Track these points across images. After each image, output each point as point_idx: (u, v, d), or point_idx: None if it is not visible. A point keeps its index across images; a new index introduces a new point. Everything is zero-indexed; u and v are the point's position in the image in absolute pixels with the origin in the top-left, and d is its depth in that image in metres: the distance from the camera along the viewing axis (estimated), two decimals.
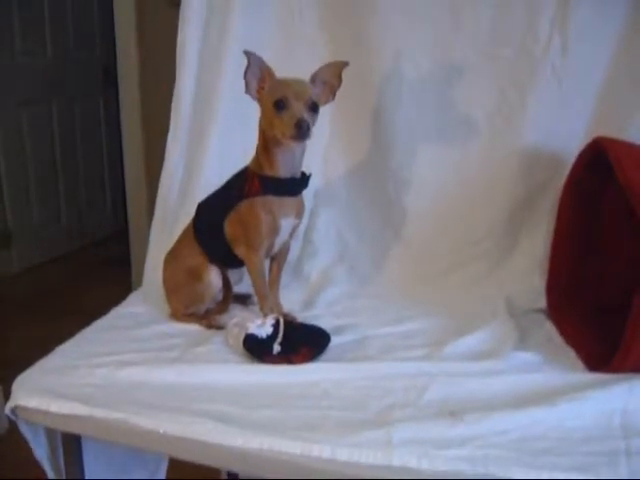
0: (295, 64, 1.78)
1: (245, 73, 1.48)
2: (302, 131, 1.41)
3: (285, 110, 1.43)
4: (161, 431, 1.21)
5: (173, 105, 1.93)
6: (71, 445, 1.40)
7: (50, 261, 4.45)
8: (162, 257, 1.75)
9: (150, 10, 3.22)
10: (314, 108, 1.46)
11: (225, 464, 1.21)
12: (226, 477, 2.02)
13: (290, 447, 1.15)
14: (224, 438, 1.17)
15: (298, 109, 1.43)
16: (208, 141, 1.90)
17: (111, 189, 4.94)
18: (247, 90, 1.49)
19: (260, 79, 1.49)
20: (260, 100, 1.50)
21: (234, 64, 1.83)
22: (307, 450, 1.14)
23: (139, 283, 2.53)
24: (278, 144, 1.49)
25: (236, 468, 1.22)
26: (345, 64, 1.50)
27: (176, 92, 1.93)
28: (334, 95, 1.53)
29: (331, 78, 1.50)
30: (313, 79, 1.50)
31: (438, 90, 1.83)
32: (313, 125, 1.44)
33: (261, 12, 1.87)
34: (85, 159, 4.71)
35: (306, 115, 1.43)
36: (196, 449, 1.20)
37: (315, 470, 1.14)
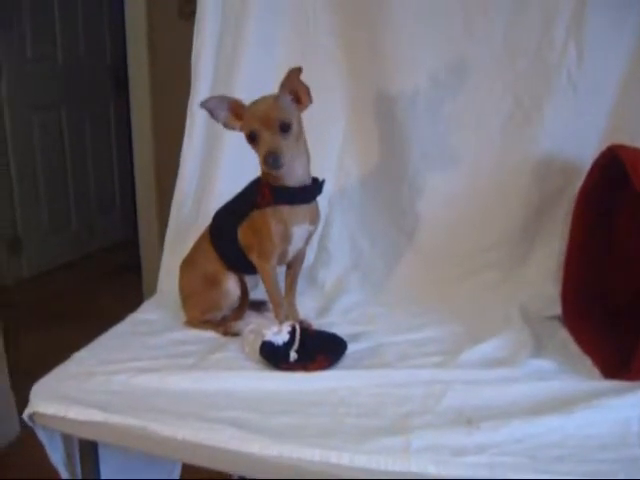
0: (310, 71, 1.78)
1: (214, 119, 1.52)
2: (271, 164, 1.44)
3: (257, 142, 1.46)
4: (179, 437, 1.21)
5: (188, 114, 1.95)
6: (88, 450, 1.41)
7: (59, 267, 4.46)
8: (176, 264, 1.76)
9: (161, 19, 3.24)
10: (285, 128, 1.45)
11: (243, 471, 1.21)
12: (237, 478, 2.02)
13: (308, 454, 1.16)
14: (242, 445, 1.18)
15: (266, 141, 1.44)
16: (223, 150, 1.91)
17: (121, 196, 4.96)
18: (227, 128, 1.53)
19: (232, 113, 1.51)
20: (242, 130, 1.51)
21: (249, 72, 1.86)
22: (325, 457, 1.15)
23: (150, 289, 2.54)
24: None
25: (254, 475, 1.22)
26: (299, 69, 1.47)
27: (190, 103, 1.94)
28: (309, 98, 1.51)
29: (295, 85, 1.49)
30: (281, 89, 1.48)
31: (452, 97, 1.83)
32: (287, 145, 1.45)
33: (275, 19, 1.88)
34: (95, 166, 4.73)
35: (278, 141, 1.44)
36: (214, 456, 1.21)
37: (334, 476, 1.14)
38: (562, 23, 1.71)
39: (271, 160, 1.43)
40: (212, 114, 1.52)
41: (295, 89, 1.49)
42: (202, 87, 1.92)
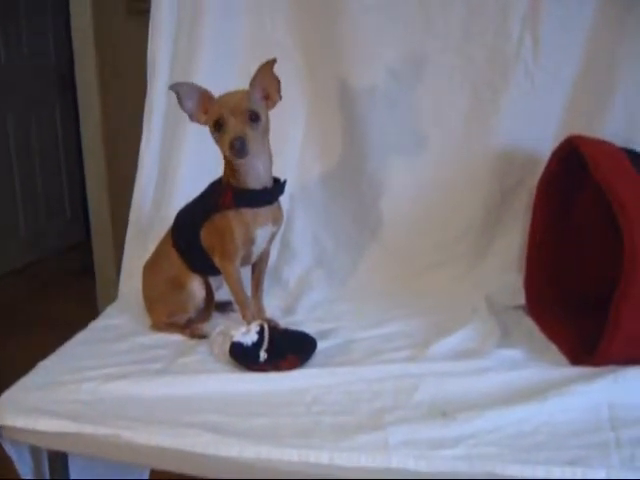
0: None
1: (181, 106, 1.49)
2: (237, 150, 1.42)
3: (223, 129, 1.44)
4: (153, 444, 1.20)
5: (145, 116, 1.92)
6: (57, 462, 1.38)
7: (9, 274, 4.35)
8: (138, 267, 1.74)
9: (108, 16, 3.17)
10: (254, 118, 1.44)
11: (222, 475, 1.20)
12: None
13: (287, 455, 1.15)
14: (219, 449, 1.17)
15: (234, 127, 1.42)
16: (182, 150, 1.89)
17: (70, 198, 4.86)
18: (192, 119, 1.50)
19: (200, 104, 1.49)
20: (207, 123, 1.49)
21: (206, 72, 1.84)
22: (304, 457, 1.15)
23: (105, 294, 2.49)
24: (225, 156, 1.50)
25: (233, 478, 1.21)
26: (273, 61, 1.47)
27: (148, 103, 1.92)
28: (279, 94, 1.51)
29: (267, 79, 1.48)
30: (252, 85, 1.48)
31: (411, 92, 1.84)
32: (255, 136, 1.44)
33: (231, 19, 1.86)
34: (43, 169, 4.62)
35: (246, 129, 1.42)
36: (190, 461, 1.19)
37: (313, 476, 1.14)
38: (518, 15, 1.73)
39: (238, 144, 1.41)
40: (180, 101, 1.49)
41: (266, 86, 1.48)
42: (159, 87, 1.89)
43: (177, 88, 1.49)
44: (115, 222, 3.28)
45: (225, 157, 1.50)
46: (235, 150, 1.42)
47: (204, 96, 1.49)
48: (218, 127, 1.44)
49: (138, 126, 1.98)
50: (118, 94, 3.09)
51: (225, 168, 1.54)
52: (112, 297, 1.91)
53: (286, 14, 1.86)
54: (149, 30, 1.87)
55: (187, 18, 1.85)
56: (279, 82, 1.49)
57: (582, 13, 1.71)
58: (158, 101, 1.90)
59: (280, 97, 1.50)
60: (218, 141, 1.46)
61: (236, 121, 1.42)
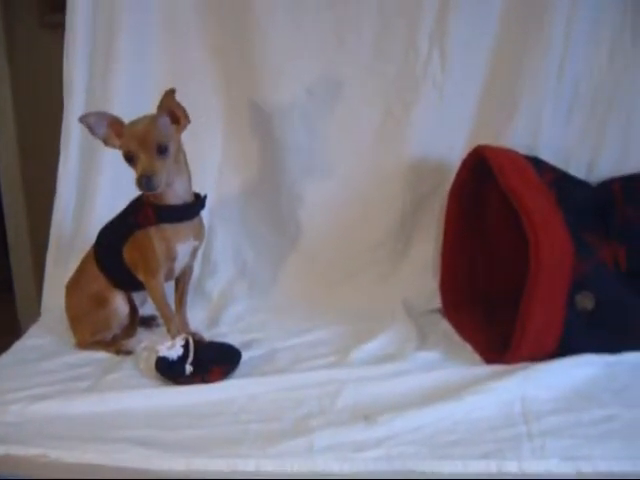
0: (184, 85, 1.79)
1: (93, 135, 1.51)
2: (144, 186, 1.45)
3: (133, 162, 1.46)
4: (85, 462, 1.19)
5: (63, 136, 1.91)
6: None
7: None
8: (60, 284, 1.73)
9: (20, 30, 3.11)
10: (163, 150, 1.46)
11: None
12: None
13: (216, 465, 1.18)
14: (150, 462, 1.18)
15: (142, 163, 1.45)
16: (101, 167, 1.89)
17: None
18: (106, 145, 1.52)
19: (112, 130, 1.50)
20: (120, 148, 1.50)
21: (122, 88, 1.85)
22: (232, 465, 1.18)
23: (25, 311, 2.45)
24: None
25: None
26: (172, 91, 1.48)
27: (65, 123, 1.91)
28: (187, 119, 1.52)
29: (172, 107, 1.50)
30: (159, 112, 1.49)
31: (325, 107, 1.89)
32: (164, 167, 1.46)
33: (146, 36, 1.87)
34: None
35: (154, 164, 1.44)
36: (122, 476, 1.19)
37: None
38: (426, 32, 1.80)
39: (144, 182, 1.43)
40: (91, 130, 1.51)
41: (172, 110, 1.49)
42: (76, 103, 1.89)
43: (85, 120, 1.51)
44: (33, 238, 3.21)
45: None
46: (142, 187, 1.45)
47: (113, 122, 1.51)
48: (129, 159, 1.47)
49: (55, 139, 1.96)
50: (34, 109, 3.03)
51: None
52: (32, 314, 1.89)
53: (201, 31, 1.88)
54: (64, 49, 1.87)
55: (102, 37, 1.85)
56: (184, 109, 1.51)
57: (486, 30, 1.80)
58: (75, 121, 1.87)
59: (189, 120, 1.52)
60: (133, 169, 1.48)
61: (144, 156, 1.45)
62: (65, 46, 1.86)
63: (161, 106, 1.48)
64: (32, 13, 3.01)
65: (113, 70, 1.86)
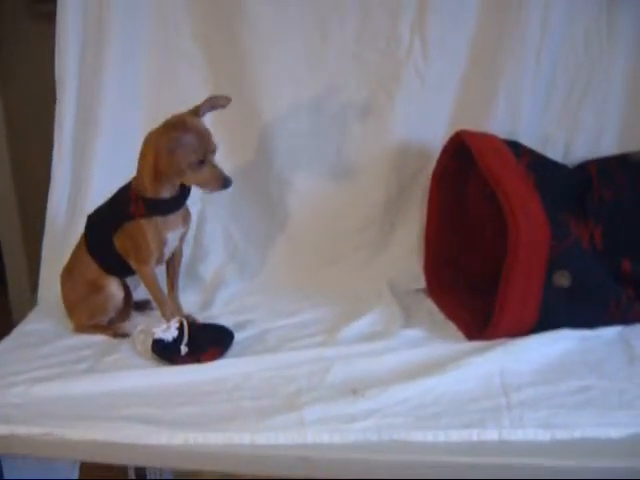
0: (174, 79, 1.87)
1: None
2: (229, 185, 1.55)
3: (205, 166, 1.53)
4: (88, 439, 1.24)
5: (56, 125, 1.94)
6: None
7: None
8: (56, 273, 1.78)
9: (8, 19, 3.12)
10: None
11: (154, 463, 1.28)
12: (134, 477, 2.07)
13: (212, 438, 1.24)
14: (150, 438, 1.24)
15: (217, 164, 1.55)
16: (93, 156, 1.93)
17: None
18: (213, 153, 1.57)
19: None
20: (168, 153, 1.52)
21: (113, 79, 1.89)
22: (228, 439, 1.24)
23: (19, 301, 2.48)
24: (171, 178, 1.57)
25: (164, 464, 1.29)
26: (229, 100, 1.60)
27: (58, 112, 1.94)
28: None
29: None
30: (203, 111, 1.57)
31: (312, 94, 1.94)
32: None
33: (136, 29, 1.90)
34: None
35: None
36: (124, 452, 1.26)
37: (238, 455, 1.24)
38: (407, 21, 1.85)
39: (229, 180, 1.54)
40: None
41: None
42: (68, 102, 1.92)
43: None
44: (24, 228, 3.25)
45: (159, 175, 1.56)
46: (227, 186, 1.55)
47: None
48: (200, 163, 1.53)
49: (45, 130, 2.00)
50: (24, 101, 3.05)
51: (141, 179, 1.59)
52: (26, 305, 1.93)
53: (190, 23, 1.91)
54: (55, 47, 1.90)
55: (93, 28, 1.88)
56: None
57: (466, 19, 1.85)
58: (67, 111, 1.93)
59: None
60: (191, 174, 1.54)
61: (214, 157, 1.55)
62: (56, 45, 1.89)
63: (203, 109, 1.57)
64: (21, 2, 3.03)
65: (103, 62, 1.88)
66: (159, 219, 1.61)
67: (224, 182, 1.55)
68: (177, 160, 1.51)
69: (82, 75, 1.92)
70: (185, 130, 1.50)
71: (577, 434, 1.22)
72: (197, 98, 1.60)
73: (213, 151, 1.54)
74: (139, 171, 1.59)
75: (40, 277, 1.97)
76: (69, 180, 1.98)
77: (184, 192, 1.65)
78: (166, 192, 1.60)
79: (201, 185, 1.58)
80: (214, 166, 1.55)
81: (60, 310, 1.75)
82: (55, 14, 1.90)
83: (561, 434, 1.22)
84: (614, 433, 1.22)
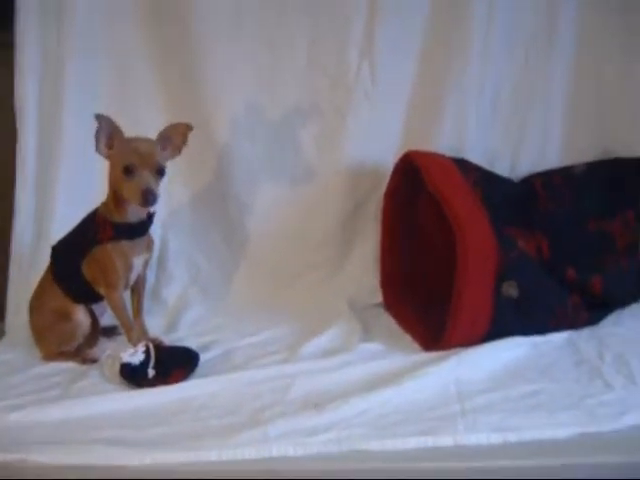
0: (133, 109, 1.90)
1: (96, 133, 1.57)
2: (148, 200, 1.54)
3: (133, 177, 1.55)
4: (62, 463, 1.26)
5: (18, 158, 1.96)
6: None
7: None
8: (23, 303, 1.81)
9: None
10: (160, 172, 1.58)
11: None
12: None
13: (182, 457, 1.28)
14: (120, 459, 1.27)
15: (145, 178, 1.54)
16: (57, 187, 1.95)
17: None
18: (97, 149, 1.58)
19: (109, 139, 1.58)
20: (109, 159, 1.59)
21: (73, 110, 1.92)
22: (196, 457, 1.28)
23: None
24: (114, 189, 1.61)
25: None
26: (190, 128, 1.64)
27: (19, 145, 1.96)
28: (179, 151, 1.65)
29: (176, 138, 1.63)
30: (160, 138, 1.61)
31: (266, 120, 2.00)
32: (158, 188, 1.57)
33: (94, 58, 1.94)
34: None
35: (152, 182, 1.55)
36: (96, 474, 1.28)
37: (207, 475, 1.27)
38: (355, 47, 1.93)
39: (150, 196, 1.53)
40: (101, 131, 1.56)
41: (176, 141, 1.63)
42: (29, 129, 1.95)
43: (100, 119, 1.55)
44: None
45: (117, 195, 1.60)
46: (145, 200, 1.54)
47: (114, 133, 1.57)
48: (127, 172, 1.54)
49: (5, 155, 2.01)
50: None
51: (107, 204, 1.64)
52: None
53: (145, 49, 1.95)
54: (15, 73, 1.92)
55: (52, 59, 1.91)
56: (185, 145, 1.65)
57: (411, 43, 1.94)
58: (29, 144, 1.95)
59: (179, 153, 1.66)
60: (122, 183, 1.56)
61: (147, 173, 1.54)
62: (16, 74, 1.91)
63: (164, 134, 1.61)
64: None
65: (63, 90, 1.92)
66: (126, 244, 1.65)
67: (142, 195, 1.53)
68: (112, 166, 1.57)
69: (41, 109, 1.95)
70: (121, 139, 1.57)
71: (527, 436, 1.30)
72: (154, 126, 1.65)
73: (146, 164, 1.54)
74: (107, 195, 1.64)
75: (7, 306, 1.98)
76: (33, 211, 1.99)
77: (150, 217, 1.69)
78: (133, 217, 1.64)
79: (127, 197, 1.58)
80: (141, 180, 1.54)
81: (28, 338, 1.76)
82: (11, 44, 1.92)
83: (512, 436, 1.29)
84: (561, 433, 1.30)
